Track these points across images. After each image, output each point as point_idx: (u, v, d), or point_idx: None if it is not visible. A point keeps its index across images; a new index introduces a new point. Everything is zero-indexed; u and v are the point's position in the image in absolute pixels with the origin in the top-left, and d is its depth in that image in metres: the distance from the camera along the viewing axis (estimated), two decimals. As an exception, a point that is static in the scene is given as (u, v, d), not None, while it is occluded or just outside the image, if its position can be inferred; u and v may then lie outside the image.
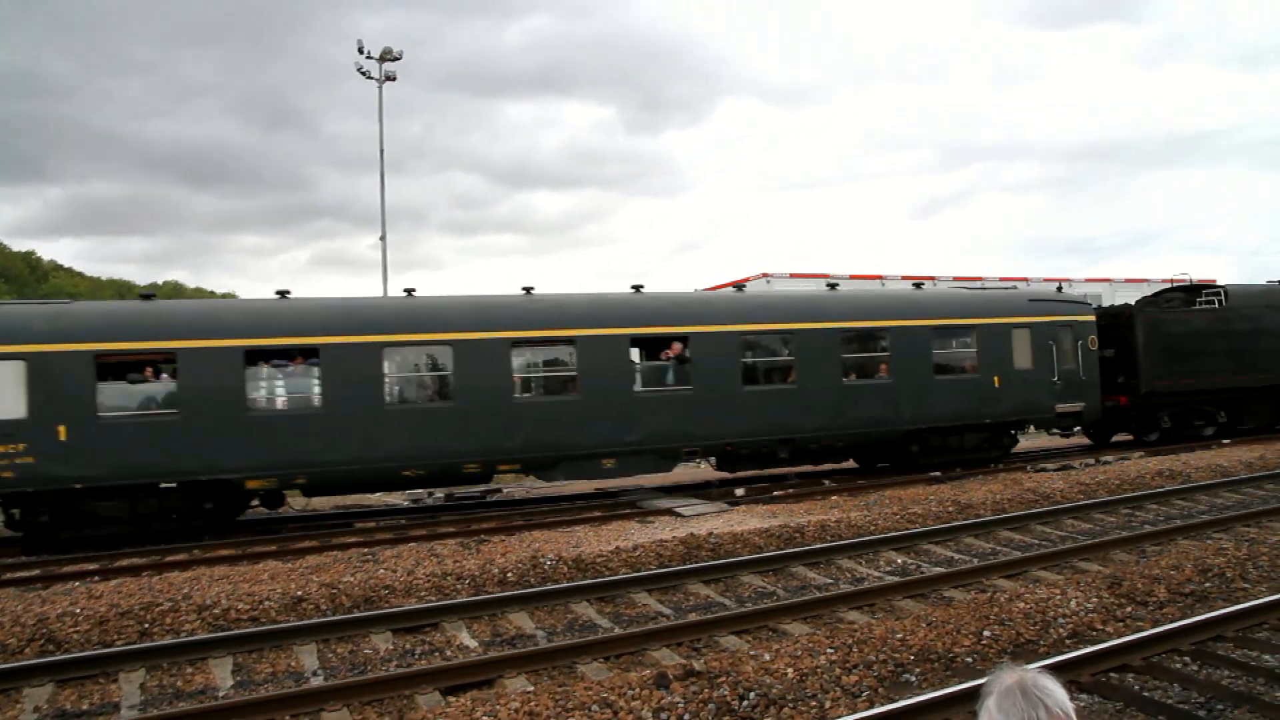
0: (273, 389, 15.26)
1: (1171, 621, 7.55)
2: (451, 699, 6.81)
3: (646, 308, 17.36)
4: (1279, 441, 20.60)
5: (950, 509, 13.83)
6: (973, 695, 6.07)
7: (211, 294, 52.75)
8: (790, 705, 6.25)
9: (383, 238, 32.53)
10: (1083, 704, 6.25)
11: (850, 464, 20.75)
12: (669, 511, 15.54)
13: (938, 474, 18.19)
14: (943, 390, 18.86)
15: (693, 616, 8.92)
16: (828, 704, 6.29)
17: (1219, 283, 24.35)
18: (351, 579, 10.40)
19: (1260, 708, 6.03)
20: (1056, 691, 2.06)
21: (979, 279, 34.32)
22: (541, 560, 10.98)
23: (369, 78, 32.45)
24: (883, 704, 6.18)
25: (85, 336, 13.90)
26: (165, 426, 14.08)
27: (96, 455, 13.63)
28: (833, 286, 20.33)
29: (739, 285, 23.02)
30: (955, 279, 34.11)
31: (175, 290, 51.10)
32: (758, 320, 17.94)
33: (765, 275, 34.89)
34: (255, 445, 14.38)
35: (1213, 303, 23.28)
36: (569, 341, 16.28)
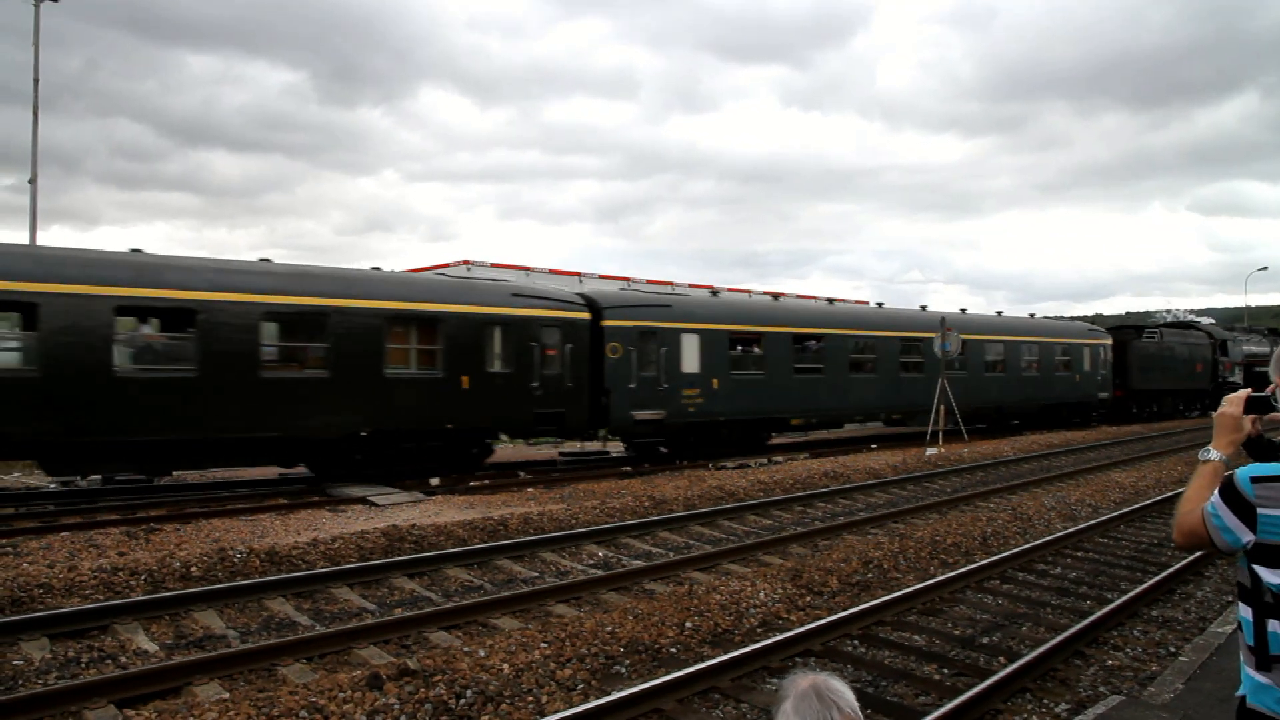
0: (801, 360, 23.84)
1: (844, 610, 8.42)
2: (130, 712, 6.09)
3: (903, 319, 27.69)
4: (1003, 439, 27.51)
5: (645, 504, 14.47)
6: (681, 684, 6.44)
7: None
8: (508, 701, 6.24)
9: (33, 180, 28.26)
10: (770, 688, 6.80)
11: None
12: (362, 500, 15.13)
13: (628, 469, 19.47)
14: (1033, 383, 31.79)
15: (400, 612, 8.61)
16: (544, 699, 6.35)
17: (1151, 323, 40.52)
18: (-10, 576, 8.99)
19: (913, 681, 6.90)
20: (846, 693, 2.24)
21: (670, 283, 36.25)
22: (230, 552, 10.11)
23: (23, -7, 28.07)
24: (598, 696, 6.36)
25: (724, 320, 22.01)
26: (759, 382, 22.50)
27: (730, 400, 21.67)
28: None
29: (436, 269, 29.88)
30: (649, 281, 35.73)
31: None
32: (989, 333, 29.90)
33: (466, 262, 34.54)
34: (795, 396, 23.45)
35: (1154, 337, 37.64)
36: (874, 340, 25.64)
